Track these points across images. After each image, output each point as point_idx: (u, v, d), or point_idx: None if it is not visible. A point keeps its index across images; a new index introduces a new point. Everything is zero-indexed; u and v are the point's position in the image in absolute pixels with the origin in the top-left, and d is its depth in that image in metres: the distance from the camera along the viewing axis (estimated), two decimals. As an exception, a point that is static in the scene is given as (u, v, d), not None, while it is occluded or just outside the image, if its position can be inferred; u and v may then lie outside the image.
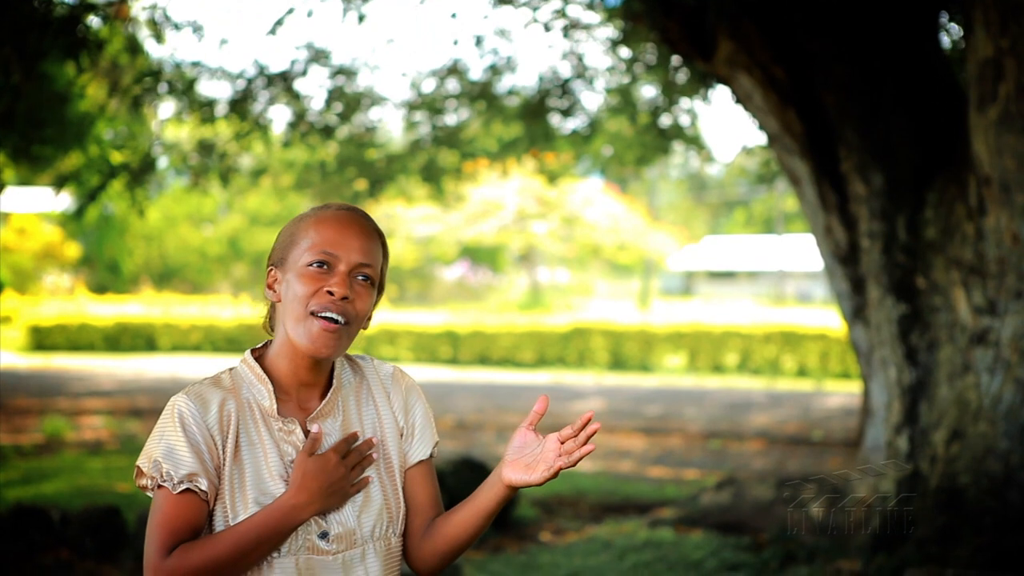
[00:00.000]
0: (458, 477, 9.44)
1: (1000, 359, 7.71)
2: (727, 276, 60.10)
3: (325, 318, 2.64)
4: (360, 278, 2.69)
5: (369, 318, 2.75)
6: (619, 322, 28.58)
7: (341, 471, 2.65)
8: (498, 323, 29.24)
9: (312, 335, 2.64)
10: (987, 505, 7.67)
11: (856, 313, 8.74)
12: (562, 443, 2.71)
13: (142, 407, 18.59)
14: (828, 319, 27.22)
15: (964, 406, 7.89)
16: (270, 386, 2.70)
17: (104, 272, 43.15)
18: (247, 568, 2.60)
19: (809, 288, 54.03)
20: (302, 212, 2.80)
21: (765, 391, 23.15)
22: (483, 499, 2.77)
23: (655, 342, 27.54)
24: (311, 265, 2.66)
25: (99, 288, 41.61)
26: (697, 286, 60.02)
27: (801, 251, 50.70)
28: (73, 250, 39.97)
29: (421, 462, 2.87)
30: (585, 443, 2.68)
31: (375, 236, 2.74)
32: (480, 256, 47.13)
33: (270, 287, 2.76)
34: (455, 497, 9.08)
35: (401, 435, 2.85)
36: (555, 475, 2.69)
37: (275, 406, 2.69)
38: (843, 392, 22.56)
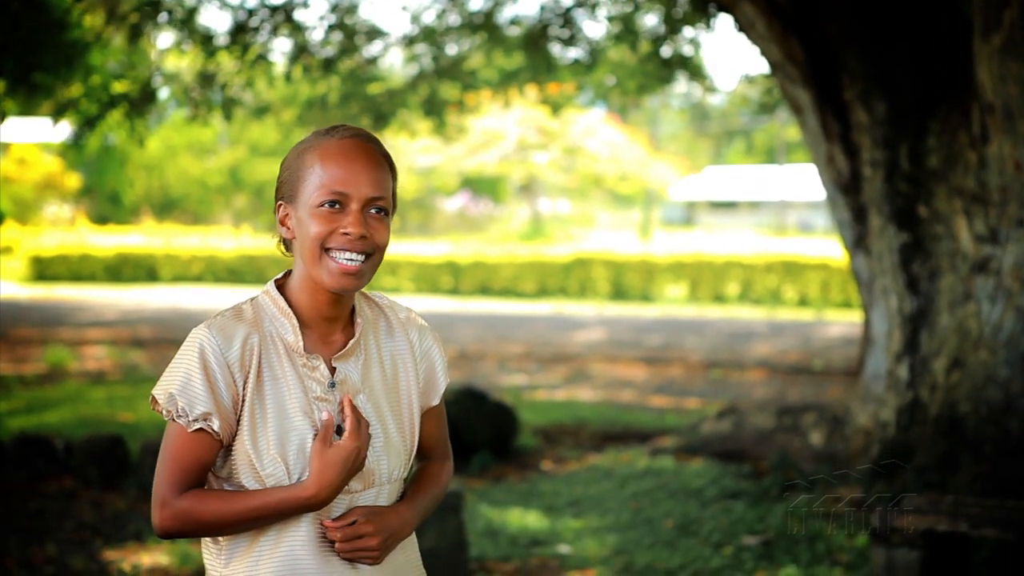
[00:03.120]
0: (460, 407, 9.48)
1: (1001, 287, 7.71)
2: (728, 206, 60.01)
3: (346, 260, 2.61)
4: (373, 211, 2.64)
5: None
6: (620, 252, 28.58)
7: (362, 454, 2.61)
8: (499, 254, 29.24)
9: (332, 273, 2.61)
10: (987, 433, 7.70)
11: (857, 242, 8.72)
12: None
13: (144, 337, 18.65)
14: (829, 249, 27.22)
15: (965, 334, 7.91)
16: (295, 320, 2.66)
17: (105, 203, 43.08)
18: (254, 529, 2.63)
19: (810, 218, 53.94)
20: (304, 139, 2.73)
21: (766, 321, 23.19)
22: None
23: (656, 272, 27.55)
24: (322, 205, 2.60)
25: (100, 219, 41.54)
26: (698, 216, 59.93)
27: (803, 181, 50.57)
28: (73, 180, 39.90)
29: (432, 407, 2.87)
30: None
31: (383, 163, 2.68)
32: (481, 187, 47.00)
33: (282, 223, 2.70)
34: (457, 426, 9.06)
35: (418, 376, 2.84)
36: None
37: (301, 342, 2.66)
38: (844, 321, 22.60)
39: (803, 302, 26.08)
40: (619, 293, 27.72)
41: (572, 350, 17.85)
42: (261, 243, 31.34)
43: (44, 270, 30.98)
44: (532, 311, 25.04)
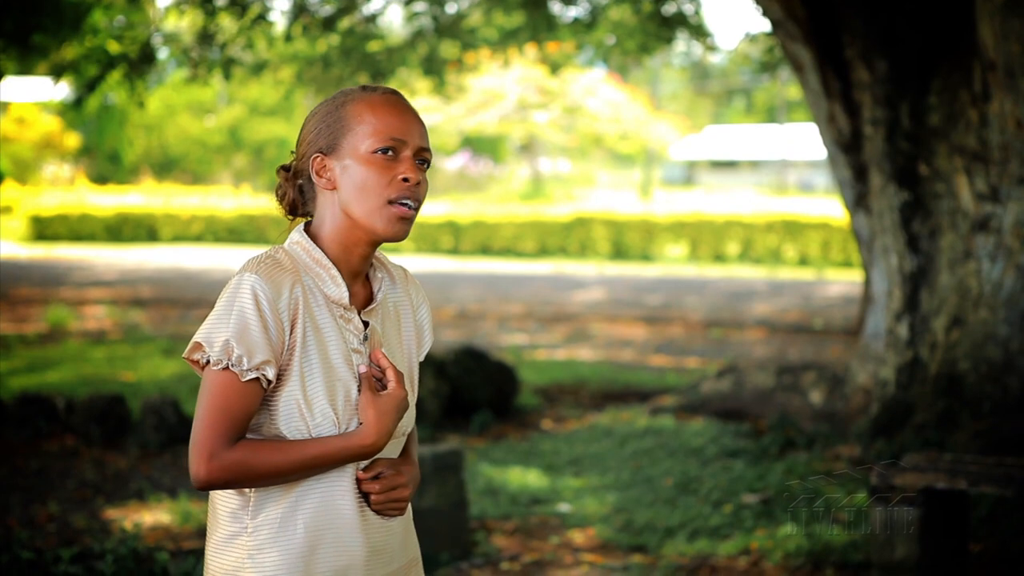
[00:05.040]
0: (460, 366, 9.50)
1: (1002, 246, 7.71)
2: (729, 165, 59.89)
3: (404, 205, 2.63)
4: (420, 162, 2.68)
5: None
6: (621, 212, 28.56)
7: (408, 401, 2.66)
8: (499, 213, 29.22)
9: (392, 221, 2.62)
10: (986, 391, 7.72)
11: (858, 201, 8.72)
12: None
13: (144, 297, 18.65)
14: (830, 208, 27.21)
15: (965, 293, 7.91)
16: (335, 271, 2.66)
17: (104, 162, 42.98)
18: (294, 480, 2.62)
19: (811, 177, 53.85)
20: (336, 95, 2.74)
21: (766, 280, 23.19)
22: None
23: (656, 232, 27.53)
24: (378, 152, 2.62)
25: (100, 178, 41.45)
26: (699, 176, 59.82)
27: (803, 140, 50.46)
28: (73, 140, 39.80)
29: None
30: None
31: (422, 118, 2.73)
32: (481, 146, 46.87)
33: (319, 174, 2.68)
34: (457, 385, 9.04)
35: (416, 330, 2.86)
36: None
37: (346, 294, 2.66)
38: (844, 280, 22.60)
39: (803, 261, 26.08)
40: (619, 253, 27.72)
41: (572, 310, 17.86)
42: (261, 203, 31.30)
43: (44, 230, 30.96)
44: (532, 271, 25.04)
